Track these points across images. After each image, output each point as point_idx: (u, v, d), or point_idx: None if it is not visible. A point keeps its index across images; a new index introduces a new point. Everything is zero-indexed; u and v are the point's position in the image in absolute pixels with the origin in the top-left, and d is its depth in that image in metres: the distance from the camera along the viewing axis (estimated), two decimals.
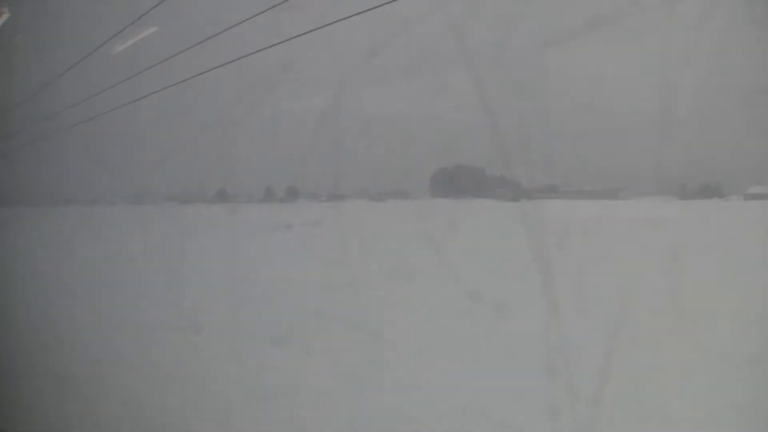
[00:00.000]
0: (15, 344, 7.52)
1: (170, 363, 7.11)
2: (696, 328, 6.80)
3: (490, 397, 5.75)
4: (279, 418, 5.55)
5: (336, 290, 8.83)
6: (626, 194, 11.43)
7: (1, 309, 9.20)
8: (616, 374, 5.71)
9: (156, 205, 16.51)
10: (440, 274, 8.72)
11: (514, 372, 6.25)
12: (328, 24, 7.00)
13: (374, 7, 6.05)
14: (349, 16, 6.69)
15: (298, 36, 7.34)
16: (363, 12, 6.32)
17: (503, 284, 8.08)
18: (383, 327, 7.73)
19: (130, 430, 5.46)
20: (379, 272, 9.76)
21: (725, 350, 6.13)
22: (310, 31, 7.14)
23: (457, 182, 12.75)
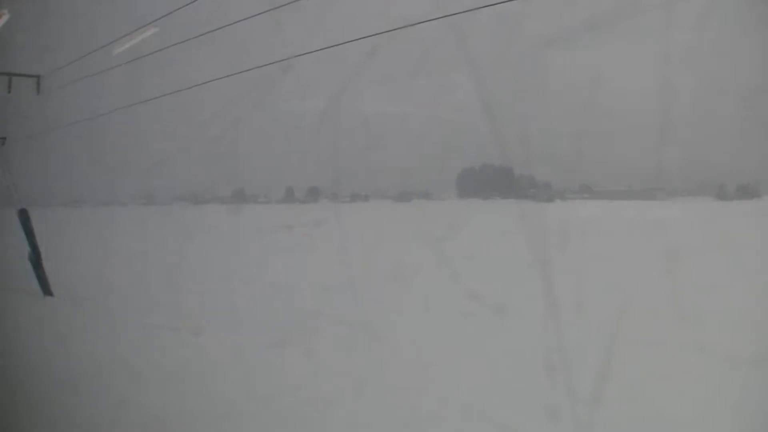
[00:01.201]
0: (16, 344, 7.52)
1: (170, 363, 7.11)
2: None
3: (491, 398, 5.75)
4: (279, 418, 5.54)
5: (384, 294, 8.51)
6: (662, 194, 11.22)
7: (2, 310, 9.20)
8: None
9: (166, 205, 16.36)
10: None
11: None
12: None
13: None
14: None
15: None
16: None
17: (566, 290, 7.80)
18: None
19: (129, 430, 5.46)
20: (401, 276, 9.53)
21: None
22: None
23: (484, 182, 12.40)
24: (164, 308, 9.30)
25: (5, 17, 8.87)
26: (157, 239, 13.61)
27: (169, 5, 9.10)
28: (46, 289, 11.09)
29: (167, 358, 7.25)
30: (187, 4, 8.71)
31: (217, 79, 9.11)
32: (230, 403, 5.82)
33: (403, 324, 8.46)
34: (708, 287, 8.40)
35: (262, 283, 11.17)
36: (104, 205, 18.26)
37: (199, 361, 7.17)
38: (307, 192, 15.07)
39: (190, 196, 16.17)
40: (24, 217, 11.50)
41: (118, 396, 5.90)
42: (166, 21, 9.29)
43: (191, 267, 11.29)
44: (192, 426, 5.48)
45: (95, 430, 5.40)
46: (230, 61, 9.14)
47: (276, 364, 6.97)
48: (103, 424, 5.41)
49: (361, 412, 5.57)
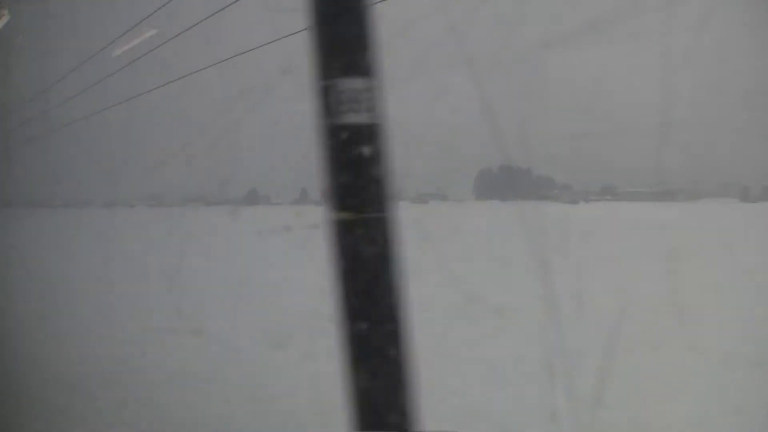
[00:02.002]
0: (19, 346, 7.53)
1: (171, 364, 7.11)
2: None
3: (490, 399, 5.75)
4: (279, 419, 5.54)
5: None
6: (685, 196, 11.03)
7: (8, 311, 9.20)
8: None
9: (171, 207, 16.18)
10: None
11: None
12: None
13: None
14: None
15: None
16: None
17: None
18: None
19: (129, 430, 5.46)
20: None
21: None
22: None
23: (502, 184, 12.08)
24: (164, 309, 9.30)
25: (5, 18, 8.88)
26: (158, 240, 13.59)
27: (169, 6, 9.11)
28: None
29: (167, 358, 7.25)
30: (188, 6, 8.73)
31: (219, 62, 9.05)
32: (230, 404, 5.82)
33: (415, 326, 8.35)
34: (740, 287, 8.32)
35: (268, 283, 11.14)
36: (108, 207, 18.06)
37: (199, 362, 7.17)
38: (321, 193, 14.75)
39: (199, 197, 15.91)
40: None
41: (118, 397, 5.90)
42: (167, 22, 9.30)
43: (192, 268, 11.27)
44: (192, 426, 5.48)
45: (95, 430, 5.40)
46: (230, 61, 9.12)
47: (276, 364, 6.97)
48: (103, 425, 5.41)
49: None
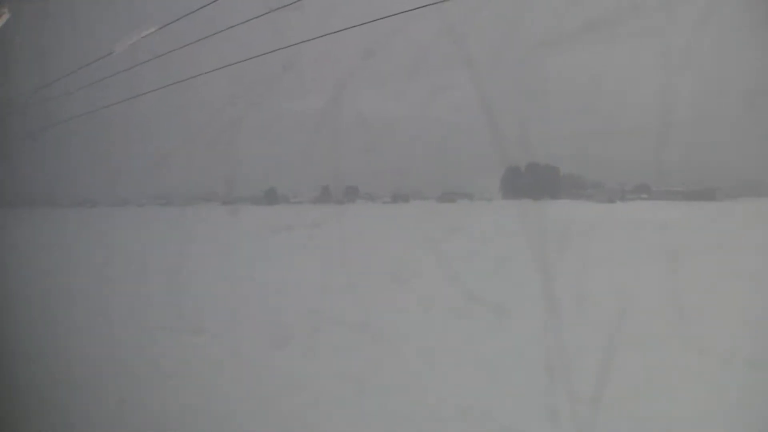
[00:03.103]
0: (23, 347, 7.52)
1: (170, 364, 7.11)
2: None
3: (491, 399, 5.74)
4: (279, 418, 5.54)
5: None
6: (723, 195, 10.73)
7: (13, 311, 9.19)
8: None
9: (185, 207, 16.01)
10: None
11: None
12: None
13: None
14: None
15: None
16: None
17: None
18: None
19: (129, 430, 5.46)
20: None
21: None
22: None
23: (531, 182, 11.61)
24: (164, 308, 9.29)
25: (5, 17, 8.87)
26: (158, 240, 13.57)
27: (169, 6, 9.10)
28: None
29: (167, 358, 7.25)
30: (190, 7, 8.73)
31: (218, 68, 9.01)
32: (230, 403, 5.82)
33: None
34: None
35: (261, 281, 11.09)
36: (126, 205, 17.84)
37: (199, 361, 7.16)
38: (344, 192, 14.29)
39: (210, 196, 15.65)
40: None
41: (118, 396, 5.90)
42: (168, 19, 9.27)
43: (192, 267, 11.26)
44: (192, 426, 5.48)
45: (95, 430, 5.40)
46: (232, 57, 9.08)
47: (276, 364, 6.96)
48: (103, 425, 5.41)
49: (361, 413, 5.56)
